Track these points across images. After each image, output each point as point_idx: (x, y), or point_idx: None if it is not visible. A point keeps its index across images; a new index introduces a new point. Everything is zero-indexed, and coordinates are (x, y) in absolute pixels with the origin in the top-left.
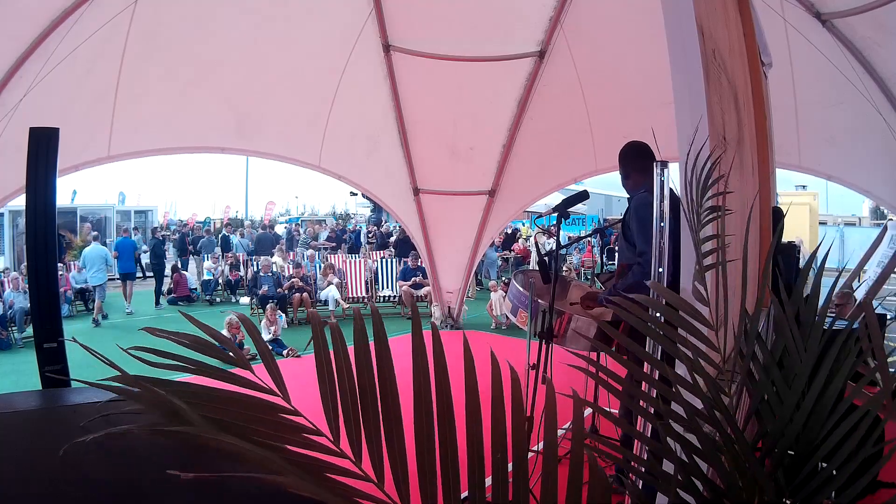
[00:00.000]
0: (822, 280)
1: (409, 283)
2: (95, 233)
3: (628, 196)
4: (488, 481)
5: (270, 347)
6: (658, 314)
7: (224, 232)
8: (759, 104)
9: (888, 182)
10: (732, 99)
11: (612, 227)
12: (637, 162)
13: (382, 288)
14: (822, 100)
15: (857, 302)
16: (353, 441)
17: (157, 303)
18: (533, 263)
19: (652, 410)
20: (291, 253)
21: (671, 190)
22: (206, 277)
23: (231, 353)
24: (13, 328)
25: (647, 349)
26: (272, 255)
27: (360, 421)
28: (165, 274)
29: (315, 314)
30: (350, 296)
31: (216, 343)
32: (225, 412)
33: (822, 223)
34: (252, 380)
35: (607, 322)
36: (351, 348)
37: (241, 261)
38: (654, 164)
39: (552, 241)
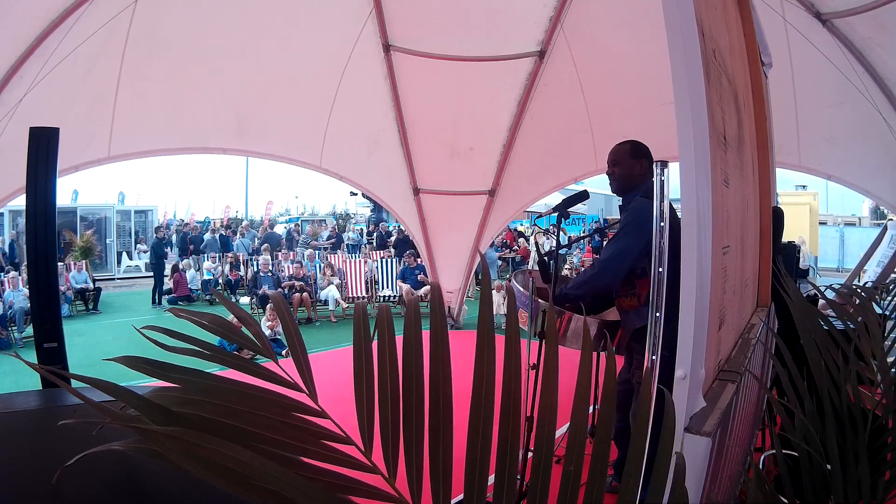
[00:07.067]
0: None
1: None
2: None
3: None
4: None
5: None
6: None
7: (223, 233)
8: (759, 104)
9: (888, 182)
10: (732, 99)
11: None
12: (640, 162)
13: (382, 288)
14: (822, 100)
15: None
16: (388, 455)
17: (155, 302)
18: (532, 263)
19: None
20: (291, 253)
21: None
22: (206, 277)
23: (256, 341)
24: (13, 328)
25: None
26: (279, 252)
27: (399, 430)
28: (165, 273)
29: (361, 304)
30: (350, 296)
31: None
32: (233, 411)
33: (823, 223)
34: (277, 372)
35: (608, 322)
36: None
37: (241, 261)
38: (655, 163)
39: (552, 240)
